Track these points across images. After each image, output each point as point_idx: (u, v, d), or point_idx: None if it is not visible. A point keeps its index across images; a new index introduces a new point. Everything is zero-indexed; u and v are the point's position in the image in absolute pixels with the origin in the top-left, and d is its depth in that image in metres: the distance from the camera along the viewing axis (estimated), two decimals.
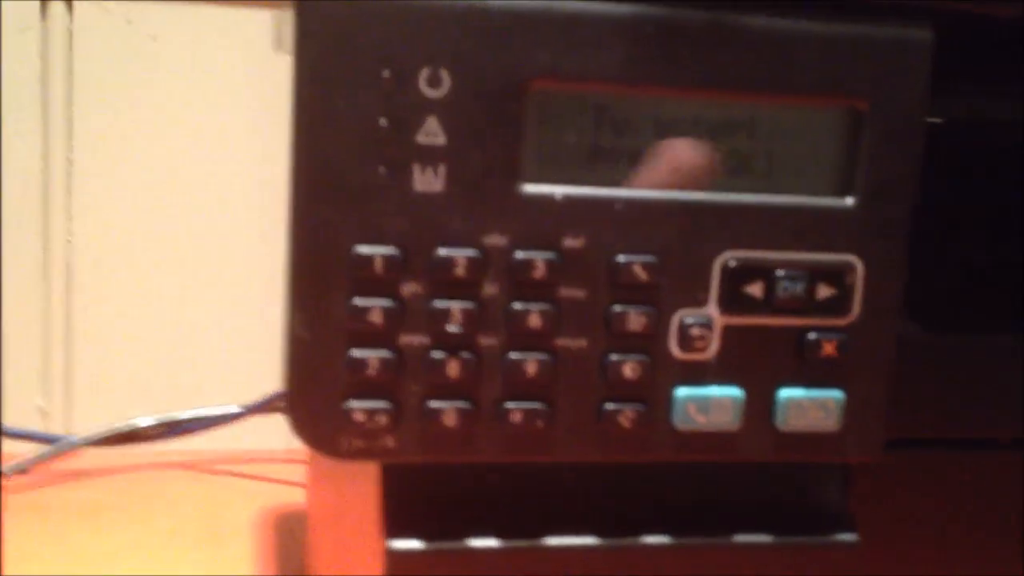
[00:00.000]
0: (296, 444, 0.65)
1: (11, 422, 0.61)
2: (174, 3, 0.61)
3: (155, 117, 0.61)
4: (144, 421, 0.57)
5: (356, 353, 0.28)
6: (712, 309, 0.30)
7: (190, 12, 0.61)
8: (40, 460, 0.55)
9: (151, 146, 0.62)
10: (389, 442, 0.29)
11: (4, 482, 0.54)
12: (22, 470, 0.55)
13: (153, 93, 0.61)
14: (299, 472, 0.58)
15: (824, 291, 0.30)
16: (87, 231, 0.62)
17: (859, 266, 0.30)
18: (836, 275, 0.30)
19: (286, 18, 0.36)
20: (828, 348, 0.30)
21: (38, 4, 0.60)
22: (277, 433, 0.65)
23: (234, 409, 0.58)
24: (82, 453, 0.57)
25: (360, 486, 0.33)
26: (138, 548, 0.49)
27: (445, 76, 0.27)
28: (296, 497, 0.56)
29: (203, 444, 0.59)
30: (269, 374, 0.63)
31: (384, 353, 0.28)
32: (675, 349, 0.30)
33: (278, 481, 0.59)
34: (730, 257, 0.29)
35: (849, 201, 0.30)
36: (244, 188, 0.63)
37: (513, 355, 0.29)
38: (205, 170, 0.62)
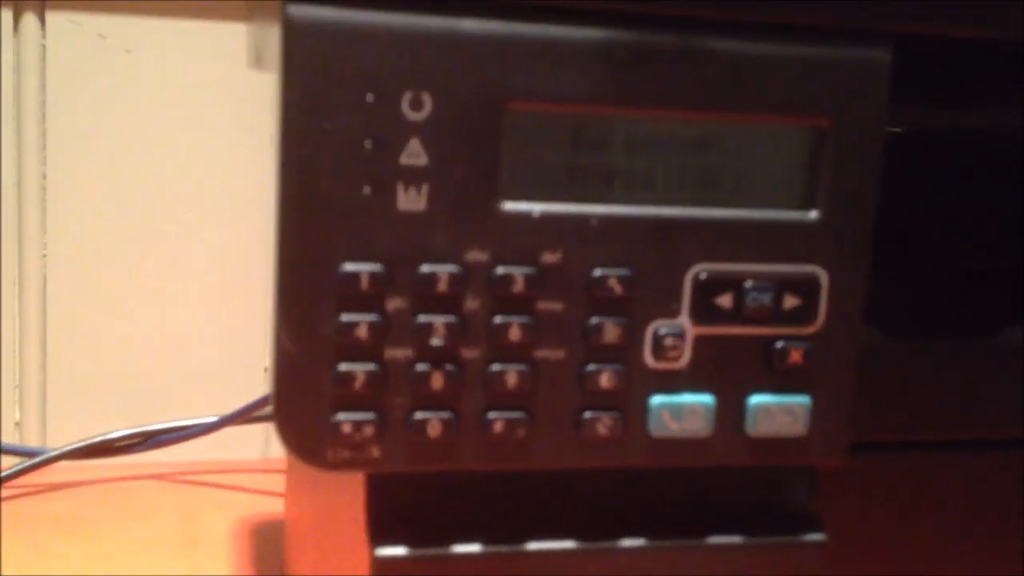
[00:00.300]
0: (272, 454, 0.66)
1: None
2: (147, 17, 0.61)
3: (129, 131, 0.62)
4: (119, 433, 0.58)
5: (343, 367, 0.29)
6: (684, 320, 0.31)
7: (164, 26, 0.61)
8: (16, 473, 0.56)
9: (125, 159, 0.62)
10: (375, 452, 0.30)
11: None
12: None
13: (127, 107, 0.61)
14: (276, 482, 0.58)
15: (790, 301, 0.31)
16: (62, 244, 0.62)
17: (823, 277, 0.31)
18: (802, 286, 0.31)
19: (262, 35, 0.37)
20: (795, 356, 0.31)
21: (10, 18, 0.60)
22: (253, 443, 0.66)
23: (210, 420, 0.58)
24: (58, 466, 0.57)
25: (343, 495, 0.34)
26: (115, 559, 0.50)
27: (427, 99, 0.28)
28: (273, 507, 0.56)
29: (180, 455, 0.60)
30: (245, 385, 0.63)
31: (370, 367, 0.29)
32: (649, 359, 0.31)
33: (255, 491, 0.59)
34: (701, 270, 0.31)
35: (813, 215, 0.31)
36: (218, 201, 0.63)
37: (494, 367, 0.30)
38: (179, 183, 0.63)
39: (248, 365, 0.64)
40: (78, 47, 0.61)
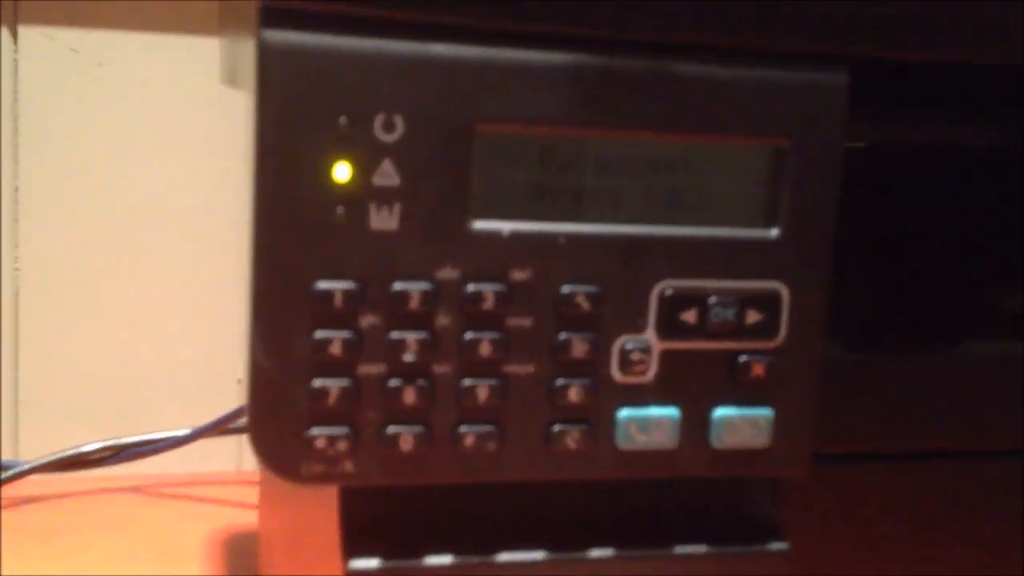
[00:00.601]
0: (246, 466, 0.66)
1: None
2: (120, 31, 0.62)
3: (102, 144, 0.62)
4: (93, 446, 0.58)
5: (317, 383, 0.30)
6: (650, 335, 0.32)
7: (137, 40, 0.62)
8: None
9: (98, 173, 0.62)
10: (348, 467, 0.30)
11: None
12: None
13: (100, 120, 0.62)
14: (250, 494, 0.58)
15: (753, 316, 0.32)
16: (34, 258, 0.62)
17: (785, 292, 0.32)
18: (764, 301, 0.32)
19: (235, 51, 0.37)
20: (758, 369, 0.32)
21: None
22: (227, 456, 0.66)
23: (183, 432, 0.58)
24: (31, 479, 0.57)
25: (317, 507, 0.34)
26: (89, 572, 0.50)
27: (399, 121, 0.29)
28: (247, 519, 0.56)
29: (153, 468, 0.60)
30: (218, 397, 0.64)
31: (344, 382, 0.30)
32: (616, 373, 0.32)
33: (229, 503, 0.59)
34: (666, 286, 0.32)
35: (774, 232, 0.32)
36: (191, 214, 0.63)
37: (465, 382, 0.31)
38: (152, 196, 0.63)
39: (221, 377, 0.64)
40: (51, 61, 0.61)
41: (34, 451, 0.59)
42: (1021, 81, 0.34)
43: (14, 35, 0.60)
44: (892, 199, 0.36)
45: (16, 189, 0.61)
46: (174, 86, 0.62)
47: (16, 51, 0.60)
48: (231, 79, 0.40)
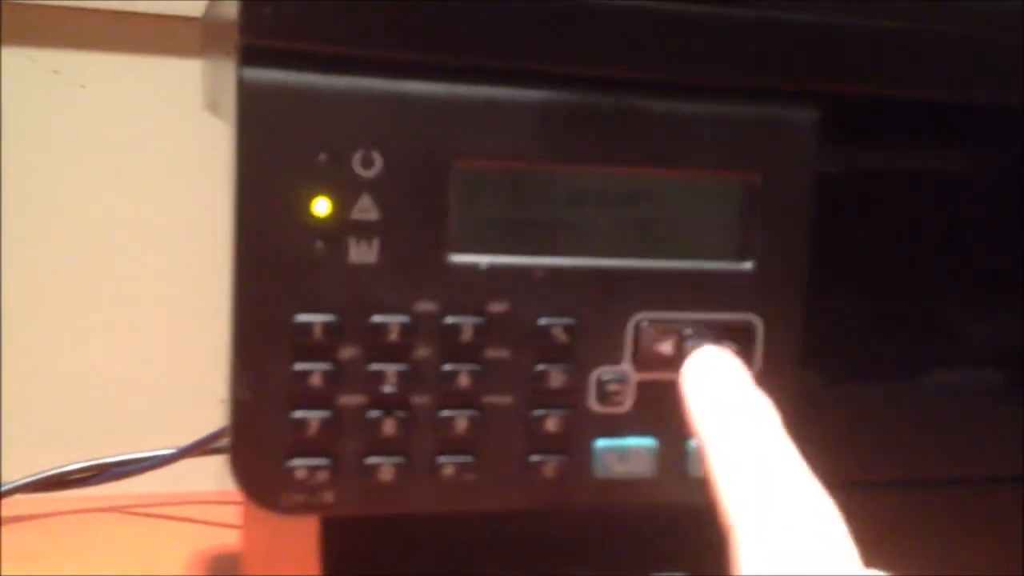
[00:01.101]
0: (229, 486, 0.65)
1: None
2: (102, 53, 0.62)
3: (84, 165, 0.62)
4: (74, 466, 0.58)
5: (297, 414, 0.30)
6: (627, 366, 0.32)
7: (119, 62, 0.62)
8: None
9: (80, 194, 0.62)
10: (329, 497, 0.31)
11: None
12: None
13: (82, 142, 0.62)
14: (232, 513, 0.58)
15: (728, 347, 0.32)
16: (15, 278, 0.62)
17: (759, 324, 0.33)
18: (738, 333, 0.32)
19: (216, 78, 0.37)
20: None
21: None
22: (210, 475, 0.66)
23: (166, 452, 0.58)
24: (13, 500, 0.57)
25: (298, 529, 0.35)
26: None
27: (377, 157, 0.29)
28: (229, 539, 0.56)
29: (136, 487, 0.60)
30: (201, 417, 0.64)
31: (323, 413, 0.30)
32: (594, 404, 0.32)
33: (211, 523, 0.59)
34: (642, 318, 0.32)
35: (747, 265, 0.33)
36: (172, 235, 0.63)
37: (444, 413, 0.31)
38: (134, 217, 0.63)
39: (204, 397, 0.64)
40: (33, 82, 0.61)
41: (16, 471, 0.59)
42: (992, 114, 0.35)
43: None
44: (865, 230, 0.36)
45: None
46: (155, 107, 0.62)
47: None
48: (212, 106, 0.40)
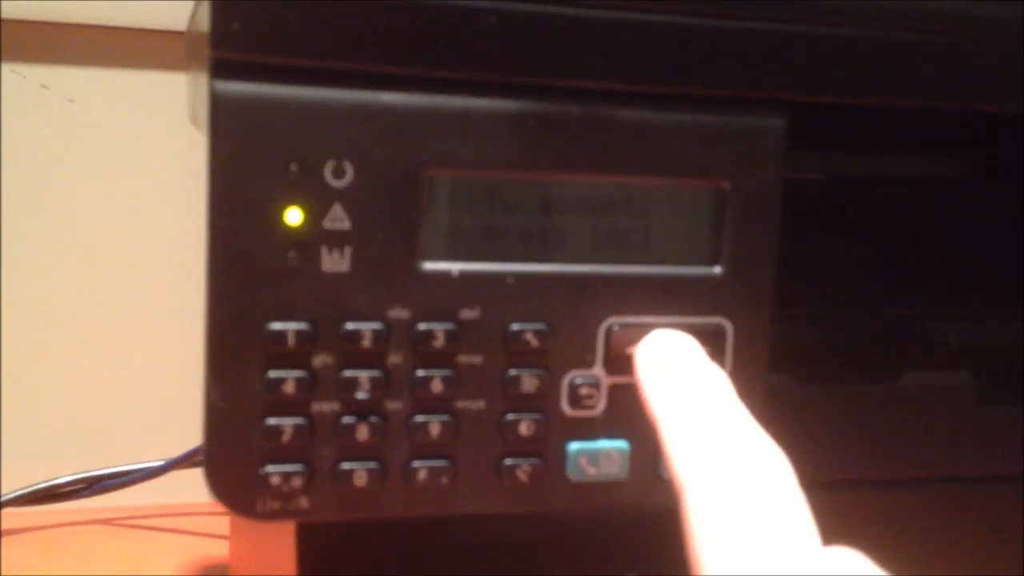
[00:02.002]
0: None
1: None
2: (90, 68, 0.62)
3: (74, 180, 0.62)
4: (64, 479, 0.58)
5: (271, 421, 0.30)
6: (599, 370, 0.33)
7: (107, 76, 0.62)
8: None
9: (71, 208, 0.63)
10: (304, 503, 0.31)
11: None
12: None
13: (71, 156, 0.62)
14: (222, 524, 0.59)
15: None
16: (11, 293, 0.63)
17: (729, 327, 0.33)
18: (708, 336, 0.33)
19: (197, 91, 0.38)
20: None
21: None
22: (199, 487, 0.67)
23: (156, 464, 0.59)
24: (3, 513, 0.57)
25: (278, 538, 0.35)
26: None
27: (348, 167, 0.30)
28: (219, 549, 0.57)
29: (126, 500, 0.60)
30: (190, 429, 0.64)
31: (298, 420, 0.31)
32: (566, 407, 0.32)
33: (201, 534, 0.60)
34: (613, 322, 0.32)
35: (717, 270, 0.33)
36: (163, 248, 0.64)
37: (418, 418, 0.31)
38: (126, 230, 0.63)
39: (193, 409, 0.65)
40: (21, 97, 0.62)
41: (9, 486, 0.60)
42: (960, 119, 0.35)
43: None
44: (836, 233, 0.37)
45: None
46: (145, 121, 0.63)
47: None
48: (195, 121, 0.41)
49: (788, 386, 0.36)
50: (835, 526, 0.37)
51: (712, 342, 0.33)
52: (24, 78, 0.61)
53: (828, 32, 0.32)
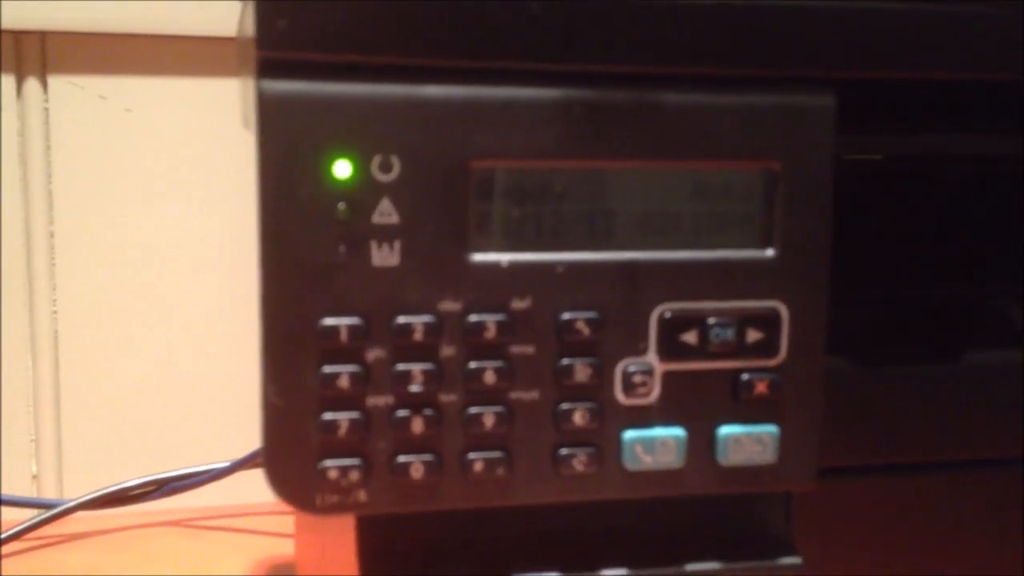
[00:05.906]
0: None
1: (5, 490, 0.62)
2: (146, 77, 0.63)
3: (132, 188, 0.64)
4: (134, 481, 0.59)
5: (327, 416, 0.31)
6: (652, 357, 0.32)
7: (162, 85, 0.64)
8: (34, 525, 0.57)
9: (130, 216, 0.64)
10: (361, 496, 0.31)
11: (1, 549, 0.55)
12: (17, 536, 0.56)
13: (129, 165, 0.64)
14: (287, 524, 0.59)
15: (753, 335, 0.32)
16: (71, 301, 0.64)
17: (784, 311, 0.33)
18: (763, 321, 0.32)
19: (247, 91, 0.38)
20: (761, 387, 0.33)
21: (13, 83, 0.62)
22: (264, 487, 0.68)
23: (222, 465, 0.60)
24: (75, 517, 0.58)
25: (340, 535, 0.35)
26: None
27: (395, 161, 0.30)
28: (286, 548, 0.57)
29: (194, 501, 0.61)
30: (255, 430, 0.65)
31: (353, 415, 0.31)
32: (620, 395, 0.32)
33: (267, 533, 0.60)
34: (665, 309, 0.32)
35: (770, 252, 0.33)
36: (221, 252, 0.65)
37: (472, 410, 0.31)
38: (183, 237, 0.65)
39: (257, 410, 0.66)
40: (80, 109, 0.63)
41: (77, 489, 0.61)
42: (1013, 93, 0.35)
43: (44, 85, 0.62)
44: (895, 212, 0.36)
45: (51, 235, 0.63)
46: (200, 128, 0.64)
47: (46, 100, 0.63)
48: (247, 123, 0.41)
49: (848, 369, 0.35)
50: (900, 510, 0.37)
51: (767, 326, 0.32)
52: (83, 89, 0.63)
53: (877, 6, 0.32)
